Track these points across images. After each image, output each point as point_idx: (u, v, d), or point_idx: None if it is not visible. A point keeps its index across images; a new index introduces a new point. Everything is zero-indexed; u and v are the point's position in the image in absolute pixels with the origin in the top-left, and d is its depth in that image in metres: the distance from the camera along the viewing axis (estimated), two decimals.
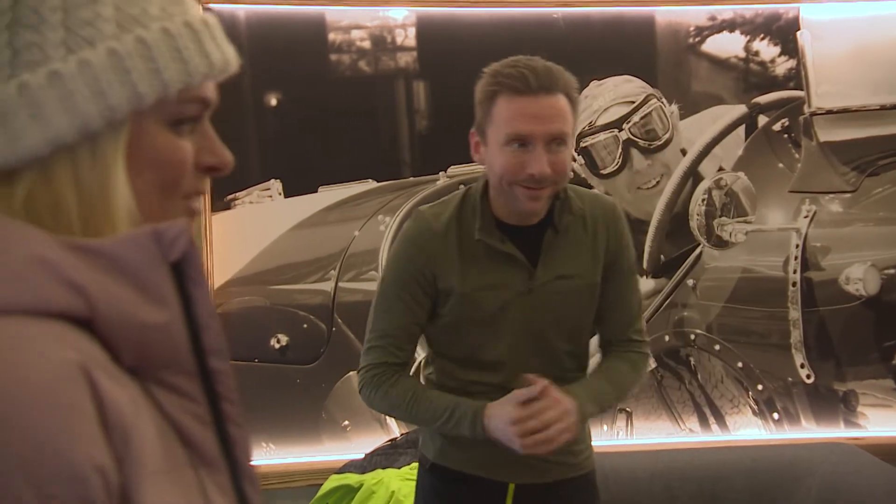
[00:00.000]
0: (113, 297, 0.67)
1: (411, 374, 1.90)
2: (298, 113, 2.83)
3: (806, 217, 2.90)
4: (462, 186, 2.69)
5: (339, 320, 2.84)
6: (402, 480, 2.46)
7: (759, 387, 2.92)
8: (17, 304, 0.64)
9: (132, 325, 0.68)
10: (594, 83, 2.82)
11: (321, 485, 2.60)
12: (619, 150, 2.82)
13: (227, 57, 0.79)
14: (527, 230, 1.78)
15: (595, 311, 1.85)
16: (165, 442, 0.69)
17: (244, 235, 2.82)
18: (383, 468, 2.56)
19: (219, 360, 0.73)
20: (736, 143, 2.90)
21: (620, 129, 2.82)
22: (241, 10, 2.71)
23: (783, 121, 2.90)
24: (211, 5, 2.67)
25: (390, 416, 1.91)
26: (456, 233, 1.80)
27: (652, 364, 2.86)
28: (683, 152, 2.87)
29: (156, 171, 0.74)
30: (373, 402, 1.90)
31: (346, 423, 2.84)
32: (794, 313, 2.91)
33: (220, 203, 2.78)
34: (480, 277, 1.79)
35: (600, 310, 1.86)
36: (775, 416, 2.93)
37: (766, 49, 2.90)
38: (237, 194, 2.80)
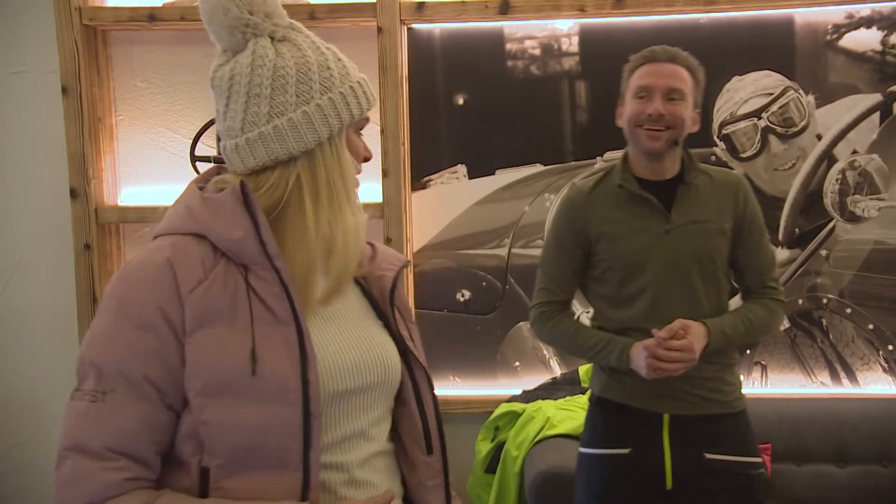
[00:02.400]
0: (213, 224, 1.19)
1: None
2: (480, 110, 3.09)
3: None
4: None
5: (512, 280, 3.13)
6: (557, 409, 2.78)
7: (890, 347, 3.03)
8: (176, 229, 1.22)
9: (225, 239, 1.19)
10: (735, 78, 3.00)
11: (493, 411, 2.96)
12: (758, 136, 3.01)
13: (372, 97, 1.27)
14: (662, 184, 2.06)
15: (728, 258, 2.07)
16: (236, 304, 1.16)
17: (436, 210, 3.13)
18: (543, 399, 2.87)
19: (279, 260, 1.19)
20: (870, 129, 2.99)
21: (759, 118, 3.00)
22: (436, 28, 3.07)
23: None
24: (413, 25, 3.05)
25: (553, 346, 2.19)
26: (602, 189, 2.11)
27: (786, 323, 3.04)
28: (819, 137, 3.00)
29: (353, 153, 1.26)
30: (541, 335, 2.21)
31: (517, 363, 3.15)
32: None
33: (418, 184, 3.12)
34: (625, 222, 2.06)
35: (738, 263, 2.09)
36: None
37: None
38: (431, 176, 3.13)
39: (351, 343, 1.25)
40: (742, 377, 3.03)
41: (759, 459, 2.08)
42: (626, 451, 2.05)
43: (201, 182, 1.27)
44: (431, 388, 1.36)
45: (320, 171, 1.22)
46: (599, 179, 2.15)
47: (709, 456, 2.03)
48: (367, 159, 1.30)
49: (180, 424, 1.15)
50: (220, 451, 1.12)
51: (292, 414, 1.13)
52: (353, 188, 1.27)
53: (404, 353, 1.33)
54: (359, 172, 1.30)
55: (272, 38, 1.23)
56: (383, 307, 1.34)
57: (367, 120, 1.28)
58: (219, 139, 1.27)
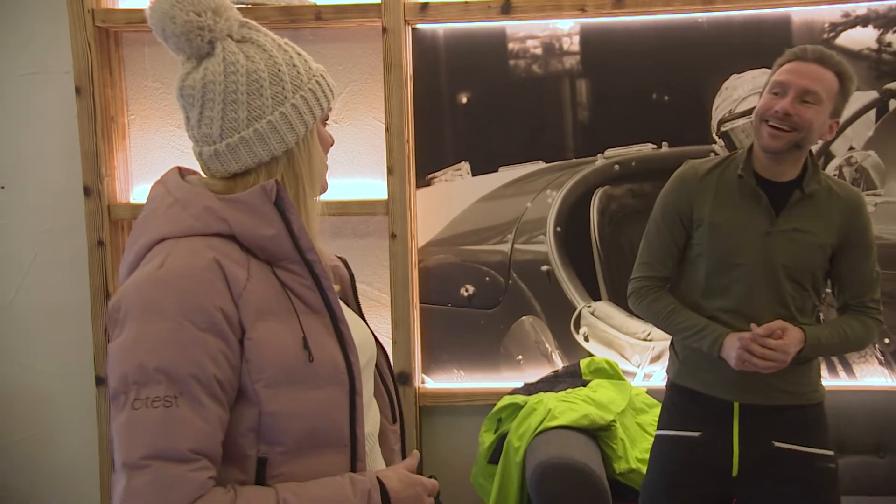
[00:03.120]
0: (243, 223, 1.22)
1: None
2: (484, 108, 3.12)
3: None
4: (617, 167, 3.09)
5: (514, 275, 3.15)
6: (559, 401, 2.80)
7: (886, 340, 3.05)
8: (197, 230, 1.22)
9: (255, 237, 1.22)
10: (734, 76, 3.02)
11: (496, 403, 2.98)
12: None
13: (334, 87, 1.32)
14: (778, 186, 2.03)
15: (827, 272, 2.07)
16: (278, 299, 1.20)
17: (441, 206, 3.17)
18: (545, 392, 2.89)
19: (311, 254, 1.24)
20: (867, 126, 3.01)
21: None
22: (440, 28, 3.10)
23: None
24: (418, 25, 3.08)
25: (648, 321, 2.18)
26: (717, 174, 2.09)
27: None
28: None
29: (322, 143, 1.31)
30: (637, 308, 2.18)
31: (520, 357, 3.19)
32: None
33: (423, 180, 3.15)
34: (730, 213, 2.05)
35: (841, 277, 2.09)
36: None
37: None
38: (435, 173, 3.16)
39: (351, 324, 1.31)
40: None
41: (828, 452, 2.09)
42: (696, 434, 2.10)
43: (174, 182, 1.28)
44: (389, 363, 1.48)
45: (299, 167, 1.27)
46: (717, 164, 2.12)
47: (777, 444, 2.05)
48: (331, 145, 1.36)
49: (239, 418, 1.16)
50: (287, 438, 1.17)
51: (342, 393, 1.22)
52: (324, 176, 1.34)
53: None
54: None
55: (233, 40, 1.24)
56: (345, 293, 1.43)
57: (331, 110, 1.34)
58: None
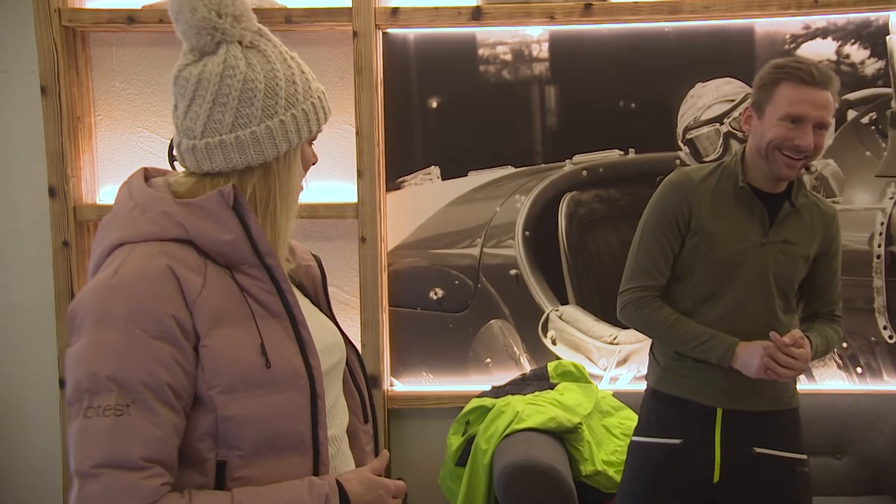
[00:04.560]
0: (200, 228, 1.19)
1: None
2: (453, 113, 3.11)
3: (891, 198, 3.05)
4: (585, 173, 3.11)
5: (483, 278, 3.15)
6: (526, 404, 2.79)
7: (844, 345, 3.09)
8: (155, 235, 1.19)
9: (213, 242, 1.19)
10: (699, 85, 3.05)
11: (464, 406, 2.94)
12: (720, 140, 3.06)
13: (329, 110, 1.30)
14: (769, 197, 2.03)
15: (802, 281, 2.08)
16: (236, 304, 1.18)
17: (410, 210, 3.15)
18: (512, 395, 2.88)
19: (270, 258, 1.21)
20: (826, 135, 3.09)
21: (721, 123, 3.05)
22: (410, 33, 3.09)
23: (871, 114, 3.03)
24: (388, 30, 3.07)
25: (643, 333, 2.14)
26: (714, 183, 2.07)
27: None
28: None
29: (304, 162, 1.28)
30: (634, 318, 2.10)
31: (488, 360, 3.18)
32: (878, 282, 3.07)
33: (392, 184, 3.13)
34: (726, 222, 2.03)
35: (816, 286, 2.11)
36: (859, 370, 3.09)
37: (857, 52, 3.02)
38: (405, 177, 3.15)
39: (316, 325, 1.30)
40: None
41: (804, 457, 2.10)
42: (677, 441, 2.08)
43: (137, 185, 1.25)
44: (362, 363, 1.47)
45: (273, 182, 1.24)
46: (710, 172, 2.10)
47: (758, 450, 2.05)
48: (313, 163, 1.34)
49: (195, 424, 1.15)
50: (243, 442, 1.15)
51: (302, 398, 1.19)
52: (298, 196, 1.30)
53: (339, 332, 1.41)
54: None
55: (241, 44, 1.22)
56: (316, 294, 1.42)
57: (320, 132, 1.32)
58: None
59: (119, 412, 1.09)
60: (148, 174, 1.28)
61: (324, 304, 1.42)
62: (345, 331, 1.44)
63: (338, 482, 1.21)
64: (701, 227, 2.05)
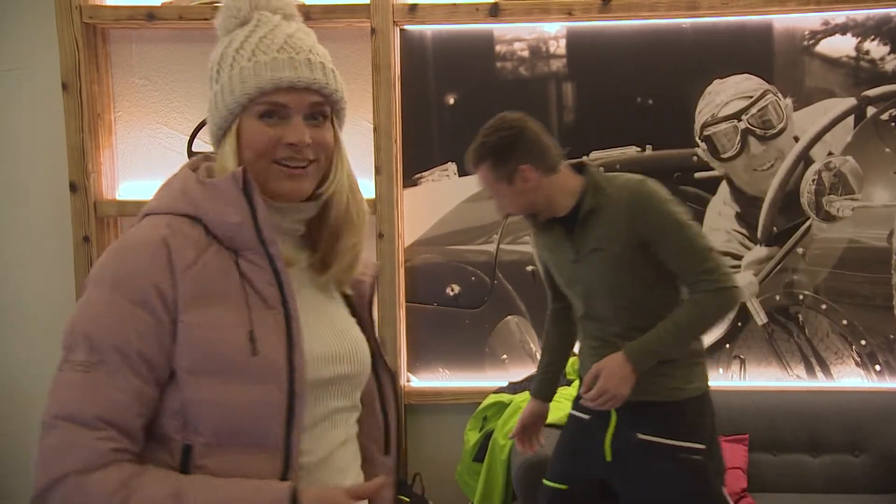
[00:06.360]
0: (210, 208, 1.17)
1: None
2: (470, 109, 3.08)
3: None
4: (601, 169, 3.07)
5: (500, 275, 3.14)
6: None
7: (863, 342, 3.06)
8: (168, 209, 1.19)
9: (221, 223, 1.17)
10: (717, 81, 3.02)
11: (481, 402, 2.97)
12: (738, 137, 3.03)
13: (296, 76, 1.16)
14: (566, 218, 2.12)
15: (648, 271, 2.08)
16: (233, 287, 1.13)
17: (427, 206, 3.14)
18: (530, 391, 2.91)
19: (273, 247, 1.16)
20: (845, 132, 3.02)
21: (739, 120, 3.02)
22: (428, 29, 3.08)
23: (891, 111, 3.00)
24: (406, 27, 3.06)
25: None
26: (533, 224, 2.24)
27: (763, 319, 3.09)
28: (796, 139, 3.02)
29: (248, 146, 1.17)
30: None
31: (505, 356, 3.17)
32: None
33: (409, 181, 3.12)
34: (551, 251, 2.21)
35: (672, 268, 2.08)
36: (877, 367, 3.06)
37: (877, 48, 2.99)
38: (422, 174, 3.14)
39: (333, 333, 1.23)
40: (721, 370, 3.10)
41: (695, 445, 2.11)
42: (586, 417, 2.21)
43: (192, 167, 1.24)
44: (396, 393, 1.36)
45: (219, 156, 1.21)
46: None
47: (640, 436, 2.12)
48: (293, 146, 1.17)
49: (167, 400, 1.12)
50: (205, 429, 1.11)
51: (278, 396, 1.12)
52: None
53: (374, 354, 1.31)
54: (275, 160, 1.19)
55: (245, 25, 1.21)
56: (360, 308, 1.32)
57: (274, 105, 1.17)
58: None
59: (87, 369, 1.09)
60: (208, 156, 1.28)
61: (365, 319, 1.32)
62: (385, 356, 1.35)
63: (294, 488, 1.11)
64: (542, 255, 2.29)
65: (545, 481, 2.31)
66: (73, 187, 3.05)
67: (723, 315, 2.16)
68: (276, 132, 1.16)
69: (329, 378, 1.21)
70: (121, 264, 1.13)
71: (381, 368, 1.33)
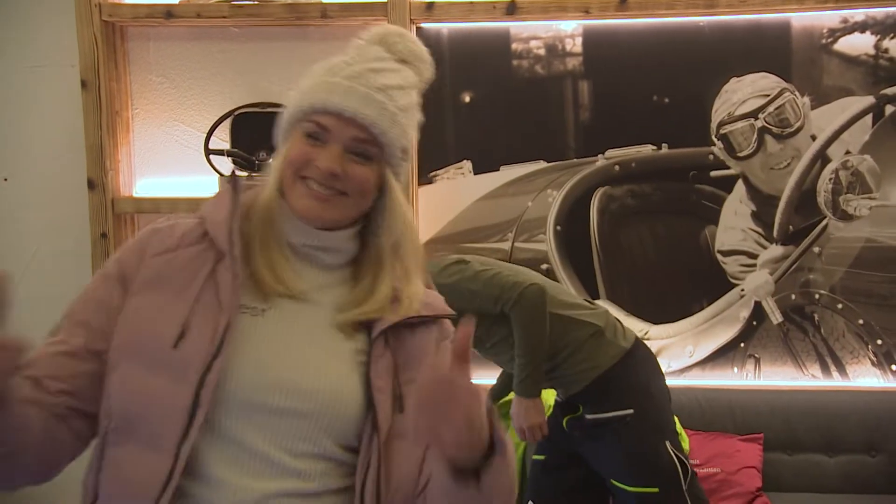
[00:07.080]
0: (208, 210, 1.20)
1: None
2: (486, 107, 3.09)
3: None
4: (617, 168, 3.07)
5: None
6: None
7: (879, 342, 3.03)
8: (201, 213, 1.21)
9: (212, 222, 1.18)
10: (734, 79, 3.00)
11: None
12: (755, 136, 3.01)
13: (344, 104, 1.12)
14: None
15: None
16: (189, 279, 1.12)
17: (442, 204, 3.13)
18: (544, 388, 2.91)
19: (236, 249, 1.13)
20: (863, 130, 2.99)
21: (756, 118, 3.00)
22: (444, 28, 3.07)
23: None
24: (423, 24, 3.05)
25: None
26: None
27: (779, 318, 3.06)
28: (813, 138, 2.99)
29: (286, 157, 1.17)
30: None
31: None
32: None
33: (425, 178, 3.12)
34: None
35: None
36: (893, 367, 3.03)
37: None
38: (437, 172, 3.13)
39: (295, 362, 1.12)
40: (735, 369, 3.07)
41: (619, 413, 2.32)
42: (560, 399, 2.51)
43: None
44: (380, 454, 1.11)
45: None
46: None
47: (588, 416, 2.38)
48: (318, 170, 1.14)
49: (105, 382, 1.12)
50: (115, 412, 1.10)
51: (184, 394, 1.06)
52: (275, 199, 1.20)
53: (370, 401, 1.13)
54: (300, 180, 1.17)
55: None
56: (402, 363, 1.16)
57: (317, 126, 1.14)
58: None
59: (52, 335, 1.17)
60: None
61: (369, 360, 1.16)
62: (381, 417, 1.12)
63: None
64: None
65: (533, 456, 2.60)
66: (90, 184, 3.07)
67: (540, 309, 2.31)
68: (312, 152, 1.14)
69: (272, 407, 1.09)
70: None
71: (380, 416, 1.12)
